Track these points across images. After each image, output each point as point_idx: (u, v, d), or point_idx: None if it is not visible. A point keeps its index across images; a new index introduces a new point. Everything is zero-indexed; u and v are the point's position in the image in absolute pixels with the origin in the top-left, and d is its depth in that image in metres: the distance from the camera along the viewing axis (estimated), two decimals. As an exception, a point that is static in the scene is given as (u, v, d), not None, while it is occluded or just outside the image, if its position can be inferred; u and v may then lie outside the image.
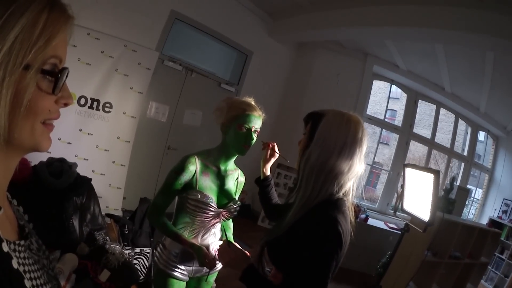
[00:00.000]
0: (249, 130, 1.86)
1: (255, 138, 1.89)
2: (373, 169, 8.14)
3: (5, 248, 0.59)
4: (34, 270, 0.69)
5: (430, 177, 2.55)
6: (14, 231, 0.71)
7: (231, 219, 2.17)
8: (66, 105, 0.70)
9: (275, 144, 2.04)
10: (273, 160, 2.04)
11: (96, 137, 4.31)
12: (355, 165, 1.39)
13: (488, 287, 7.40)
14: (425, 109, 7.85)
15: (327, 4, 5.21)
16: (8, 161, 0.65)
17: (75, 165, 3.29)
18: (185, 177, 1.84)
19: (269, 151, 2.02)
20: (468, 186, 8.09)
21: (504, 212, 7.75)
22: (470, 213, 8.75)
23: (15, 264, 0.60)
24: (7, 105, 0.56)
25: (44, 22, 0.60)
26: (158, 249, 2.03)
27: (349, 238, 1.35)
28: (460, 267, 3.80)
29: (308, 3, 5.45)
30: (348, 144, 1.37)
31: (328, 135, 1.38)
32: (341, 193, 1.39)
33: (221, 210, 1.95)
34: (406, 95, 7.39)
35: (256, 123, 1.88)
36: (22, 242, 0.69)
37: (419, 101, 7.44)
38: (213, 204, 1.90)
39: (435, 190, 2.49)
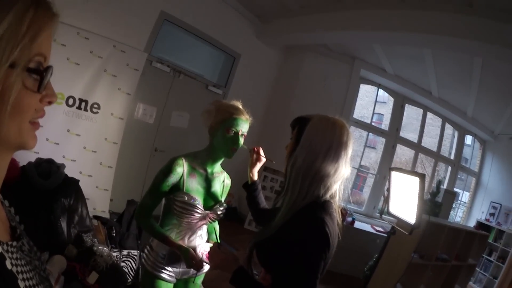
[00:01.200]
0: (236, 133, 1.88)
1: (242, 142, 1.92)
2: (360, 173, 8.19)
3: None
4: (27, 271, 0.68)
5: (416, 180, 2.58)
6: (7, 232, 0.71)
7: (217, 221, 2.19)
8: (50, 103, 0.69)
9: (260, 148, 2.05)
10: (259, 165, 2.05)
11: (83, 138, 4.29)
12: (341, 168, 1.41)
13: (477, 289, 7.50)
14: (412, 113, 7.93)
15: (316, 8, 5.24)
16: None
17: (63, 166, 3.28)
18: (173, 179, 1.86)
19: (254, 156, 2.04)
20: (455, 190, 8.19)
21: (492, 214, 7.87)
22: (457, 216, 8.86)
23: (8, 265, 0.60)
24: None
25: (30, 19, 0.59)
26: (146, 250, 2.04)
27: (337, 240, 1.37)
28: (447, 269, 3.84)
29: (297, 6, 5.47)
30: (333, 147, 1.39)
31: (314, 138, 1.40)
32: (327, 196, 1.41)
33: (207, 212, 1.97)
34: (393, 99, 7.46)
35: (243, 127, 1.91)
36: (15, 243, 0.69)
37: (406, 105, 7.51)
38: (200, 206, 1.91)
39: (421, 193, 2.52)
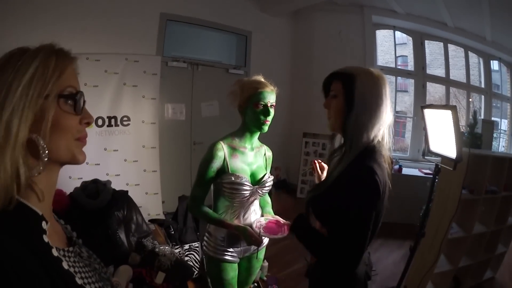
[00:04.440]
0: (266, 106, 1.93)
1: (272, 112, 1.96)
2: (398, 119, 8.04)
3: (55, 253, 0.72)
4: (85, 271, 0.81)
5: (448, 113, 2.54)
6: (63, 241, 0.85)
7: (267, 194, 2.27)
8: (88, 124, 0.87)
9: (314, 161, 2.05)
10: (325, 172, 2.03)
11: (122, 151, 4.43)
12: (389, 116, 1.50)
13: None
14: (434, 49, 7.68)
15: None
16: (50, 175, 0.80)
17: (109, 182, 3.40)
18: (216, 163, 1.94)
19: (317, 167, 2.04)
20: (493, 119, 7.94)
21: (534, 137, 7.62)
22: (501, 146, 8.59)
23: (65, 266, 0.73)
24: (27, 126, 0.70)
25: (54, 62, 0.76)
26: (205, 238, 2.15)
27: (388, 189, 1.44)
28: (498, 201, 3.73)
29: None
30: (383, 99, 1.46)
31: (369, 95, 1.46)
32: (376, 141, 1.49)
33: (256, 186, 2.04)
34: (411, 38, 7.29)
35: (271, 98, 1.95)
36: (71, 249, 0.82)
37: (426, 41, 7.32)
38: (247, 182, 1.99)
39: (456, 125, 2.48)
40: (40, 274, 0.65)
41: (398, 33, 7.39)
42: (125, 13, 4.62)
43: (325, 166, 2.03)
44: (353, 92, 1.46)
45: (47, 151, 0.73)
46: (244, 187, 1.96)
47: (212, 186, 2.07)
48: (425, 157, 3.24)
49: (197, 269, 3.31)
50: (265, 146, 2.24)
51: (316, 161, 2.04)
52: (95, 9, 4.36)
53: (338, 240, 1.41)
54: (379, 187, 1.35)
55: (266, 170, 2.18)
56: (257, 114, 1.93)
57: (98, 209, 3.05)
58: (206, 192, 2.03)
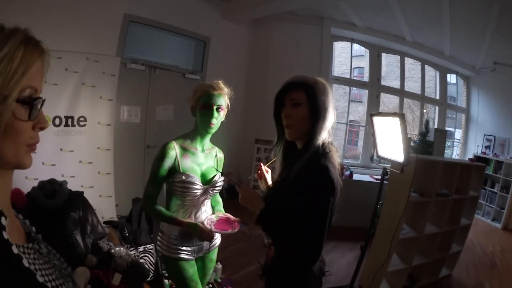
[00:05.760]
0: (210, 108, 1.98)
1: (219, 115, 2.03)
2: (351, 128, 8.27)
3: (15, 250, 0.68)
4: (46, 268, 0.78)
5: (396, 120, 2.69)
6: (22, 237, 0.81)
7: (218, 194, 2.35)
8: (42, 129, 0.79)
9: (261, 164, 2.09)
10: (268, 175, 2.07)
11: (77, 152, 4.36)
12: (332, 118, 1.65)
13: (486, 221, 7.75)
14: (391, 61, 7.98)
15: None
16: (2, 176, 0.75)
17: (65, 182, 3.37)
18: (168, 162, 1.99)
19: (263, 170, 2.07)
20: (447, 128, 8.31)
21: (487, 147, 8.11)
22: (455, 154, 9.00)
23: (26, 263, 0.69)
24: None
25: (20, 57, 0.69)
26: (158, 237, 2.18)
27: (339, 188, 1.54)
28: (449, 203, 3.90)
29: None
30: (331, 104, 1.63)
31: (326, 100, 1.60)
32: (326, 142, 1.62)
33: (206, 186, 2.10)
34: (368, 51, 7.53)
35: (217, 100, 2.00)
36: (30, 245, 0.79)
37: (383, 54, 7.59)
38: (198, 182, 2.04)
39: (404, 131, 2.63)
40: (2, 272, 0.62)
41: (356, 45, 7.61)
42: (90, 11, 4.54)
43: (269, 170, 2.10)
44: (316, 101, 1.58)
45: None
46: (195, 186, 2.02)
47: (164, 186, 2.11)
48: (374, 162, 3.37)
49: (152, 271, 3.31)
50: (216, 148, 2.30)
51: (262, 164, 2.09)
52: (59, 4, 4.26)
53: (298, 237, 1.48)
54: (334, 184, 1.46)
55: (216, 171, 2.22)
56: (202, 116, 2.00)
57: (55, 209, 3.03)
58: (159, 190, 2.07)
